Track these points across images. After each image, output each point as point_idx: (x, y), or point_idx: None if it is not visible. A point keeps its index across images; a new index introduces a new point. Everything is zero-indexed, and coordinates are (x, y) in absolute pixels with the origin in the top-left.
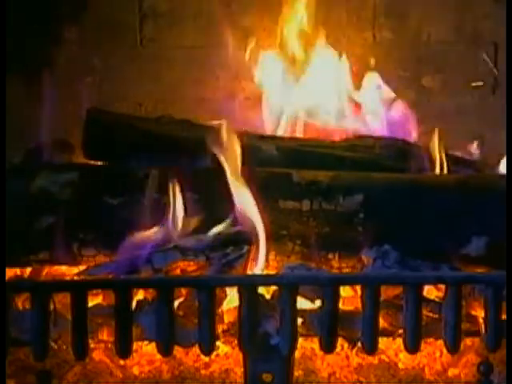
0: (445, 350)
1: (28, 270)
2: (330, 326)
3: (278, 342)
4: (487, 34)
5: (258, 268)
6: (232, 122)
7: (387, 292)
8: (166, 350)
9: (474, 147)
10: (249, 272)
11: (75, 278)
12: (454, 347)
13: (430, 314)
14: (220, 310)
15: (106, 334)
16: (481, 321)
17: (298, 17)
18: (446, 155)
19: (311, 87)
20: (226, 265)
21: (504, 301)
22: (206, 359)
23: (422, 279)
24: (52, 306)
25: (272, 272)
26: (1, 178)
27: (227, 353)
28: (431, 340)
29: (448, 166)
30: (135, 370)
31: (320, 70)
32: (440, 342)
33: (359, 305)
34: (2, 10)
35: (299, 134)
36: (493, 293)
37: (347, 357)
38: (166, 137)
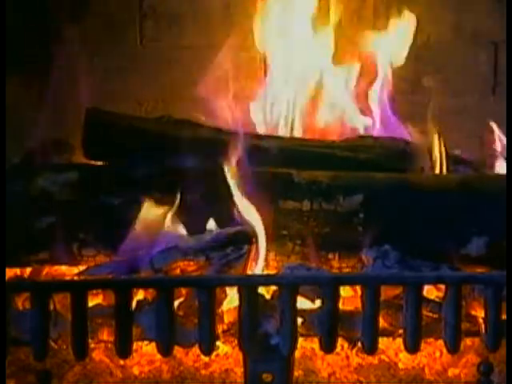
0: (445, 350)
1: (28, 269)
2: (330, 326)
3: (278, 341)
4: (487, 33)
5: (257, 268)
6: (232, 121)
7: (387, 292)
8: (166, 350)
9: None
10: (249, 272)
11: (75, 278)
12: (453, 347)
13: (430, 314)
14: (220, 310)
15: (106, 334)
16: (481, 321)
17: (297, 17)
18: (446, 155)
19: (312, 87)
20: (225, 265)
21: (504, 301)
22: (206, 359)
23: (422, 279)
24: (52, 306)
25: (272, 272)
26: (1, 177)
27: (227, 353)
28: (431, 340)
29: (448, 165)
30: (135, 370)
31: (320, 70)
32: (440, 342)
33: (359, 305)
34: (1, 9)
35: (299, 134)
36: (493, 293)
37: (347, 357)
38: (166, 137)
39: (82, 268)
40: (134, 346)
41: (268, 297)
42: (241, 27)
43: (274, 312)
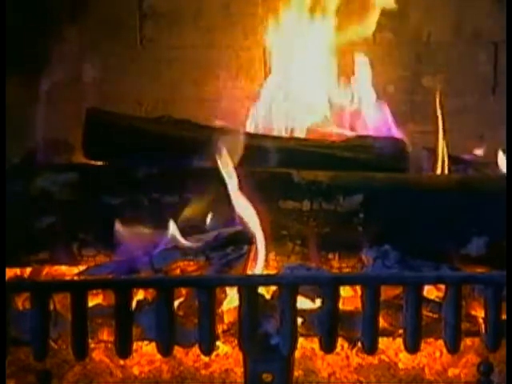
0: (445, 350)
1: (28, 269)
2: (330, 326)
3: (278, 341)
4: (487, 33)
5: (257, 268)
6: (232, 122)
7: (387, 292)
8: (166, 350)
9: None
10: (249, 272)
11: (75, 278)
12: (453, 347)
13: (430, 314)
14: (220, 310)
15: (106, 334)
16: (481, 321)
17: (297, 17)
18: (447, 155)
19: (311, 87)
20: (225, 265)
21: (504, 301)
22: (206, 359)
23: (422, 279)
24: (52, 306)
25: (272, 272)
26: (1, 177)
27: (227, 353)
28: (431, 340)
29: (448, 165)
30: (135, 370)
31: (320, 70)
32: (440, 342)
33: (359, 305)
34: (1, 9)
35: (299, 134)
36: (493, 293)
37: (347, 357)
38: (166, 137)
39: (82, 268)
40: (134, 345)
41: (268, 297)
42: (241, 27)
43: (274, 312)
